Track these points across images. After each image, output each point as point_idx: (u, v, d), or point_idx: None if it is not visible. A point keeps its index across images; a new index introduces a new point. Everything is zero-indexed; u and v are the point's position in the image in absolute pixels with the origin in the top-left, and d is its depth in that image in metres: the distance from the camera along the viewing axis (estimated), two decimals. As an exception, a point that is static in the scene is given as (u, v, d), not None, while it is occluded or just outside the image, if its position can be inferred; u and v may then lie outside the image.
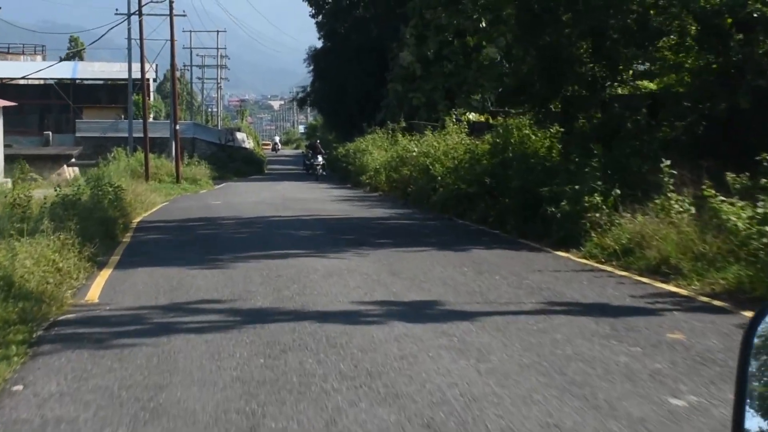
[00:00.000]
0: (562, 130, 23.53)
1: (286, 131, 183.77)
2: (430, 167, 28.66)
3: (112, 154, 52.70)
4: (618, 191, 17.86)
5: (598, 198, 17.84)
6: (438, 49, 59.51)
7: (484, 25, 58.47)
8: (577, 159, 21.06)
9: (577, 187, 18.29)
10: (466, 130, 32.20)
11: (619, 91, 22.80)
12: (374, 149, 46.95)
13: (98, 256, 16.72)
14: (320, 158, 53.48)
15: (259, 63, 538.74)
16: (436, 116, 58.44)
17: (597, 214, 17.61)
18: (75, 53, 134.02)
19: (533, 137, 23.79)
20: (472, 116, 43.57)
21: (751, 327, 2.87)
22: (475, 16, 58.14)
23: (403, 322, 10.87)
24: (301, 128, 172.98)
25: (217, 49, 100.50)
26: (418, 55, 59.39)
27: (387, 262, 16.21)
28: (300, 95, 79.43)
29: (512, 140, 24.02)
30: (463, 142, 29.61)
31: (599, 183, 18.17)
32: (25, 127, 77.64)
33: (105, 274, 15.33)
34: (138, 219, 26.69)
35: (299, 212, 27.48)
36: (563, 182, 19.10)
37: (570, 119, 23.60)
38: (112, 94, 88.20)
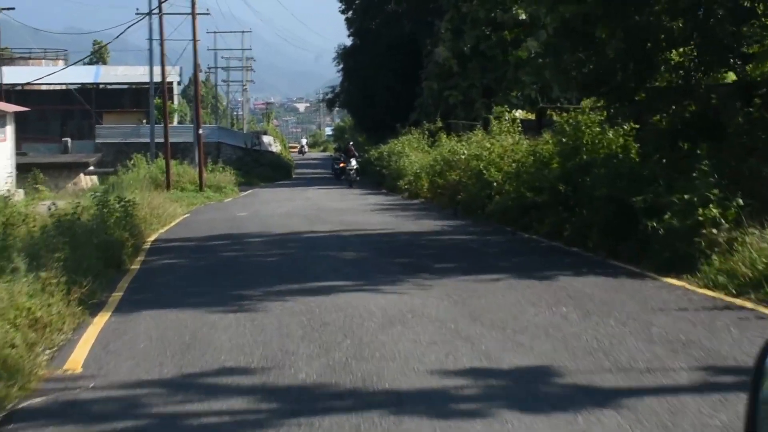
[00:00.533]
0: (636, 126, 19.93)
1: (313, 133, 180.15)
2: (484, 172, 25.07)
3: (132, 161, 49.39)
4: (740, 201, 14.22)
5: (714, 210, 14.21)
6: (475, 44, 55.93)
7: (524, 17, 55.03)
8: (665, 160, 17.53)
9: (687, 196, 14.63)
10: (520, 128, 28.61)
11: (723, 78, 19.06)
12: (411, 151, 43.42)
13: (96, 295, 13.23)
14: (354, 162, 48.81)
15: (283, 66, 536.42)
16: (474, 115, 54.94)
17: (714, 230, 14.01)
18: (97, 57, 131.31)
19: (609, 135, 20.15)
20: (518, 113, 39.93)
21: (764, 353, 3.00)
22: (514, 9, 54.82)
23: (514, 411, 7.34)
24: (328, 130, 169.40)
25: (242, 50, 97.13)
26: (454, 50, 55.78)
27: (459, 298, 12.63)
28: (329, 96, 75.77)
29: (585, 140, 20.41)
30: (520, 142, 25.98)
31: (714, 191, 14.51)
32: (47, 134, 74.74)
33: (99, 322, 11.81)
34: (153, 237, 23.24)
35: (336, 226, 23.98)
36: (665, 190, 15.45)
37: (652, 113, 19.96)
38: (135, 99, 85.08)
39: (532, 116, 40.15)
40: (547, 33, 54.55)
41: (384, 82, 61.78)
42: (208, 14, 62.91)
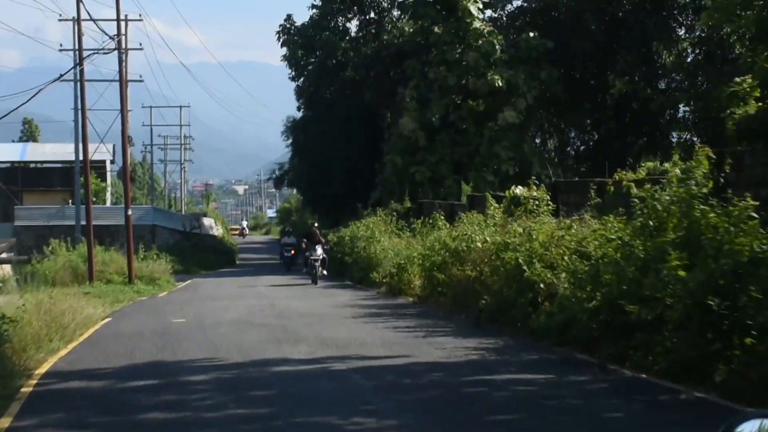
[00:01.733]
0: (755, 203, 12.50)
1: (254, 215, 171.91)
2: (525, 268, 17.32)
3: (50, 248, 41.07)
4: None
5: None
6: (444, 114, 48.60)
7: (500, 84, 47.81)
8: None
9: None
10: (548, 205, 21.08)
11: None
12: (381, 236, 35.66)
13: None
14: (320, 250, 35.76)
15: (222, 147, 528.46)
16: (444, 193, 47.36)
17: None
18: (27, 135, 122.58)
19: (722, 216, 12.64)
20: (519, 190, 32.36)
21: None
22: (489, 75, 47.61)
23: None
24: (270, 212, 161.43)
25: (180, 126, 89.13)
26: (420, 121, 48.39)
27: None
28: (276, 174, 67.75)
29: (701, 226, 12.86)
30: (598, 230, 18.04)
31: None
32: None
33: None
34: (45, 368, 15.09)
35: (316, 348, 16.01)
36: None
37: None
38: (65, 178, 76.52)
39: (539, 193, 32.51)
40: (527, 101, 47.43)
41: (340, 157, 54.19)
42: (141, 81, 55.39)
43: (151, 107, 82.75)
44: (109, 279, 37.69)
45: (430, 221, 33.57)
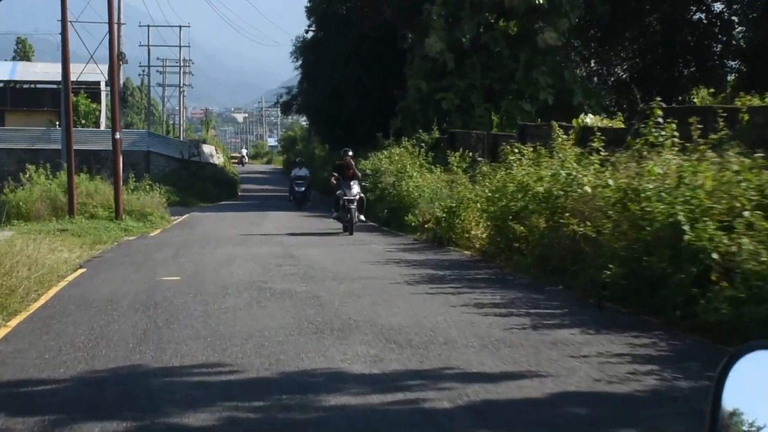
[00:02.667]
0: None
1: (254, 144, 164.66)
2: (686, 228, 11.36)
3: (27, 175, 35.08)
4: None
5: None
6: (476, 35, 42.34)
7: (540, 1, 41.41)
8: None
9: None
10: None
11: None
12: (413, 171, 29.78)
13: None
14: (356, 188, 26.78)
15: (221, 76, 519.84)
16: (474, 123, 41.24)
17: None
18: (20, 55, 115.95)
19: None
20: (589, 119, 26.36)
21: (724, 369, 2.72)
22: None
23: None
24: (271, 141, 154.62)
25: (180, 47, 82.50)
26: (448, 42, 42.14)
27: None
28: (284, 99, 61.08)
29: None
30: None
31: None
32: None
33: None
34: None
35: (385, 350, 9.99)
36: None
37: None
38: (56, 99, 70.44)
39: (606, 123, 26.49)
40: (570, 22, 40.98)
41: (355, 81, 47.91)
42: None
43: (149, 26, 76.24)
44: (93, 213, 31.83)
45: (474, 155, 27.71)
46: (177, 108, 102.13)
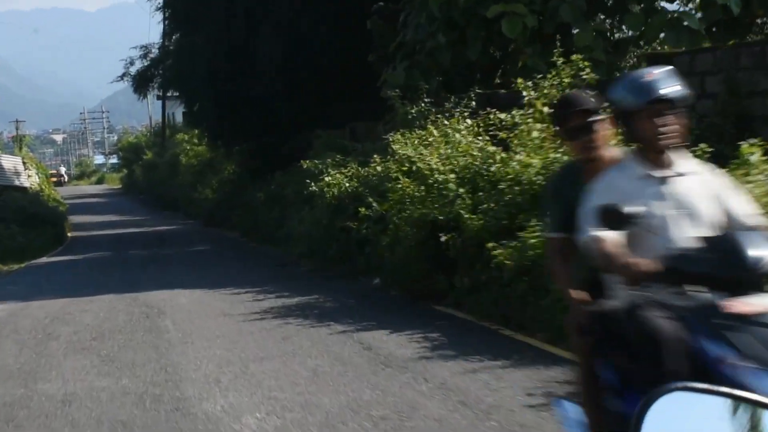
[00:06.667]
0: None
1: (78, 163, 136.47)
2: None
3: None
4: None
5: None
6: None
7: None
8: None
9: None
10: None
11: None
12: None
13: None
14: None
15: (39, 99, 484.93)
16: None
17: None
18: None
19: None
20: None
21: (642, 410, 2.53)
22: None
23: None
24: (99, 159, 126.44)
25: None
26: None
27: None
28: (138, 67, 34.48)
29: None
30: None
31: None
32: None
33: None
34: None
35: None
36: None
37: None
38: None
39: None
40: None
41: (279, 25, 23.74)
42: None
43: None
44: None
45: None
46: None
